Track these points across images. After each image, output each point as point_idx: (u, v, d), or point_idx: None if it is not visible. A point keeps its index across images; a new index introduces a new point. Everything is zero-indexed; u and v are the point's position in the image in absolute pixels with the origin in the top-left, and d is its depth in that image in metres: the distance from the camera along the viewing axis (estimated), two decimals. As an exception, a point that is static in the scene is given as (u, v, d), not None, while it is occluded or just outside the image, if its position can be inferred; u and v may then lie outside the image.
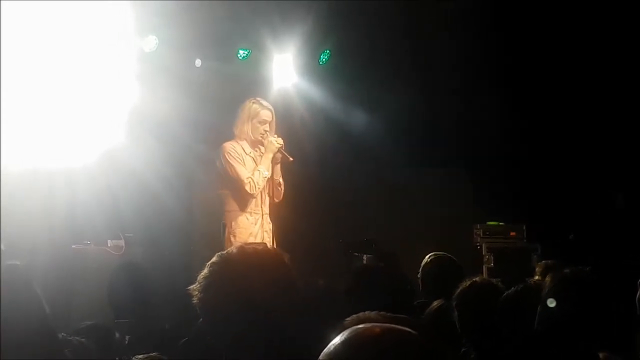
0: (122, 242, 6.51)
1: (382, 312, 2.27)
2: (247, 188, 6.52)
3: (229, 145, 6.61)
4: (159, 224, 7.04)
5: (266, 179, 6.58)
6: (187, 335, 3.63)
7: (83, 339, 2.75)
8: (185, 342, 3.54)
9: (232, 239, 6.49)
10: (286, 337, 2.27)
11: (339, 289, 3.34)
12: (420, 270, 4.85)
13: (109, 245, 6.48)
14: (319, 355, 1.53)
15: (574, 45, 7.73)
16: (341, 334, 1.55)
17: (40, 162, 6.09)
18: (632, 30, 7.39)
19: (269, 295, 2.26)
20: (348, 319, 2.12)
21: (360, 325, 1.58)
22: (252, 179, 6.54)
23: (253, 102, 6.64)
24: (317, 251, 7.24)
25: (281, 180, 6.71)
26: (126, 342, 3.62)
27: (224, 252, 2.40)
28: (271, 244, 6.54)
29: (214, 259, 2.37)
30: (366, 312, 2.14)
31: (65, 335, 2.72)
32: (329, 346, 1.54)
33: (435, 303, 4.03)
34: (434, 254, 4.91)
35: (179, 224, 7.37)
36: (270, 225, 6.66)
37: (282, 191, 6.72)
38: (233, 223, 6.59)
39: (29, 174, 5.95)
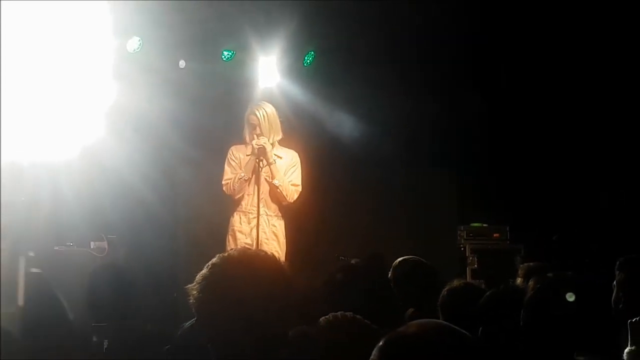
0: (105, 244, 6.49)
1: (354, 315, 2.28)
2: (224, 189, 6.76)
3: (231, 148, 6.86)
4: (142, 225, 7.02)
5: (242, 180, 6.63)
6: (170, 338, 3.61)
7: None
8: (170, 347, 3.52)
9: (228, 237, 6.72)
10: (277, 341, 2.28)
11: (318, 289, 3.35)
12: (390, 273, 4.82)
13: (91, 246, 6.46)
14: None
15: (558, 49, 7.76)
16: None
17: (22, 162, 6.06)
18: (622, 29, 7.41)
19: (265, 301, 2.26)
20: (321, 319, 2.13)
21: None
22: (229, 181, 6.71)
23: (249, 107, 6.77)
24: (298, 253, 7.21)
25: (287, 182, 6.74)
26: (105, 346, 3.60)
27: (225, 254, 2.39)
28: (274, 245, 6.67)
29: (214, 260, 2.37)
30: (338, 313, 2.14)
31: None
32: None
33: (410, 311, 4.05)
34: (403, 258, 4.88)
35: (162, 225, 7.35)
36: (276, 227, 6.77)
37: (289, 194, 6.74)
38: (230, 221, 6.78)
39: (11, 174, 5.92)
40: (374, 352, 1.55)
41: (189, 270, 2.52)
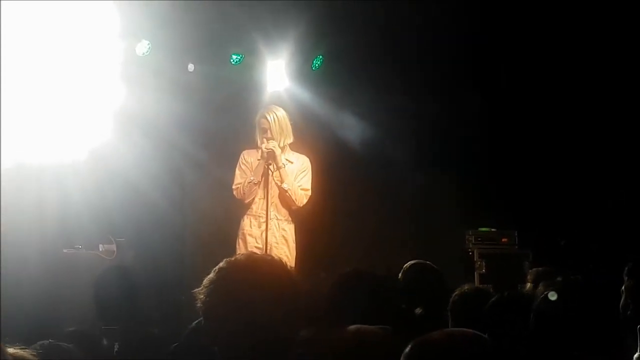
0: (113, 247, 6.51)
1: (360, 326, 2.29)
2: (235, 193, 6.73)
3: (242, 153, 6.82)
4: (151, 228, 7.04)
5: (251, 184, 6.62)
6: (178, 340, 3.63)
7: (71, 345, 2.77)
8: (177, 347, 3.54)
9: (239, 240, 6.68)
10: (283, 345, 2.29)
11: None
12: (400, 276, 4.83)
13: (100, 249, 6.48)
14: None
15: (559, 48, 7.74)
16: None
17: (31, 165, 6.08)
18: (623, 29, 7.39)
19: (271, 305, 2.28)
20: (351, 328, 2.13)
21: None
22: (240, 185, 6.68)
23: (260, 111, 6.76)
24: (308, 257, 7.21)
25: (297, 186, 6.70)
26: (115, 349, 3.62)
27: (232, 258, 2.41)
28: (284, 249, 6.66)
29: (221, 264, 2.39)
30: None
31: (52, 341, 2.74)
32: None
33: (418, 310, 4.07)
34: (414, 262, 4.88)
35: (171, 228, 7.37)
36: (286, 232, 6.73)
37: (298, 198, 6.70)
38: (241, 224, 6.73)
39: (20, 177, 5.94)
40: (402, 358, 1.58)
41: (197, 273, 2.53)
